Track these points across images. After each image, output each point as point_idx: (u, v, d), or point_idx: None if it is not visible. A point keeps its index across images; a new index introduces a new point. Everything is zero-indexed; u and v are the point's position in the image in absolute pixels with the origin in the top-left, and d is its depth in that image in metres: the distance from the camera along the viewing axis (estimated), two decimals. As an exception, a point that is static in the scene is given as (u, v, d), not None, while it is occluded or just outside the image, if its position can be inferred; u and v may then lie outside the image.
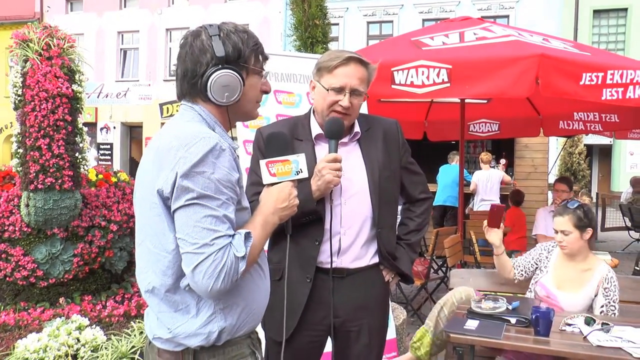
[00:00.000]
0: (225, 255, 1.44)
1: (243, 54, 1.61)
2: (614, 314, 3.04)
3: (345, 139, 2.28)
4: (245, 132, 3.48)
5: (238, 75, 1.58)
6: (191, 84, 1.60)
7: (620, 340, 2.51)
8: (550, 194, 8.69)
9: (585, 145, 12.32)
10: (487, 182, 8.87)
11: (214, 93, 1.57)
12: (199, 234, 1.43)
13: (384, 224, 2.27)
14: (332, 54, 2.25)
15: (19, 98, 3.75)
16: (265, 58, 1.69)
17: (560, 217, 3.14)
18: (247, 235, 1.51)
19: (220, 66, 1.56)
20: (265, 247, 1.73)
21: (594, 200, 14.09)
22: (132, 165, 23.31)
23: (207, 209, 1.44)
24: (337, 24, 20.66)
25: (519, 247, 6.89)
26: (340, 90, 2.18)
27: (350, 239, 2.24)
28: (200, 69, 1.58)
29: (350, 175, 2.24)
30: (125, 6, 24.47)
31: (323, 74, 2.23)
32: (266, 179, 1.70)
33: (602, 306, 3.05)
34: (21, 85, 3.72)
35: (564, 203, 3.24)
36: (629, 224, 11.27)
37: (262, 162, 1.70)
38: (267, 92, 1.73)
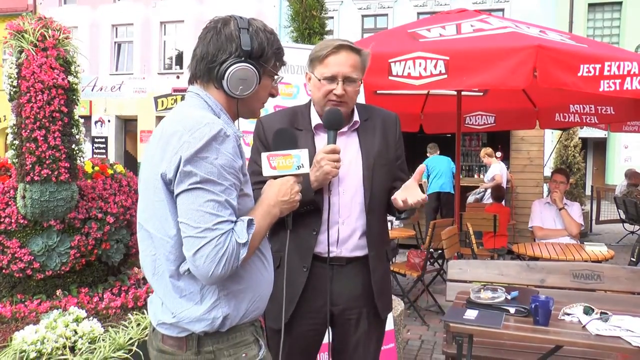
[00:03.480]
0: (227, 240, 1.45)
1: (265, 54, 1.63)
2: None
3: (344, 129, 2.27)
4: (244, 122, 3.46)
5: (257, 73, 1.60)
6: (208, 67, 1.60)
7: (619, 329, 2.52)
8: (545, 187, 8.71)
9: (580, 138, 12.33)
10: (503, 176, 8.89)
11: (230, 83, 1.58)
12: (202, 218, 1.43)
13: (373, 210, 2.25)
14: (322, 44, 2.25)
15: (14, 89, 3.72)
16: (283, 64, 1.71)
17: None
18: (250, 222, 1.52)
19: (242, 59, 1.58)
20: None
21: (589, 193, 14.15)
22: (127, 159, 23.23)
23: (210, 193, 1.44)
24: (332, 18, 20.60)
25: (500, 245, 6.88)
26: (332, 79, 2.18)
27: (349, 228, 2.23)
28: (222, 56, 1.58)
29: (347, 165, 2.24)
30: (119, -1, 24.35)
31: (315, 64, 2.23)
32: (266, 171, 1.72)
33: None
34: (16, 76, 3.68)
35: None
36: (623, 216, 11.33)
37: (264, 155, 1.72)
38: (274, 96, 1.75)
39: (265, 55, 1.63)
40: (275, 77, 1.70)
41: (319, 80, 2.20)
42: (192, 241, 1.44)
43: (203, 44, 1.61)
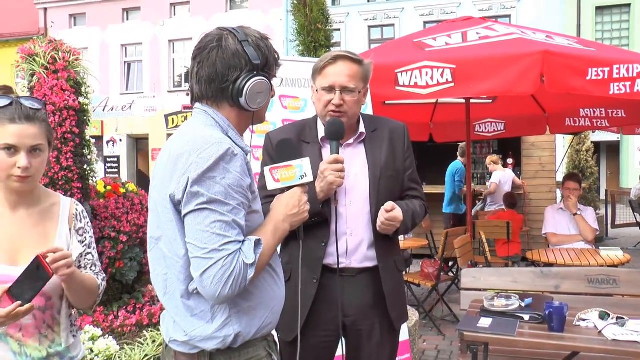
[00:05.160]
0: (235, 261, 1.44)
1: (269, 62, 1.63)
2: (95, 264, 1.91)
3: (350, 140, 2.29)
4: (253, 137, 3.48)
5: (269, 83, 1.61)
6: (221, 88, 1.58)
7: (636, 334, 2.49)
8: (558, 192, 8.64)
9: (592, 142, 12.23)
10: (505, 184, 8.81)
11: (249, 99, 1.57)
12: (209, 238, 1.43)
13: None
14: (323, 57, 2.29)
15: (26, 112, 3.78)
16: (279, 66, 1.72)
17: (30, 126, 1.72)
18: (258, 243, 1.52)
19: (255, 73, 1.57)
20: (278, 249, 1.73)
21: (604, 197, 14.02)
22: (139, 177, 23.39)
23: (217, 214, 1.44)
24: (339, 30, 20.71)
25: (513, 252, 6.81)
26: (330, 89, 2.20)
27: (357, 239, 2.24)
28: (233, 74, 1.56)
29: (354, 176, 2.25)
30: (127, 19, 24.66)
31: (316, 76, 2.27)
32: (270, 185, 1.71)
33: (80, 256, 1.87)
34: (28, 99, 3.74)
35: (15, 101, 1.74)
36: (639, 219, 11.20)
37: (266, 169, 1.72)
38: (272, 96, 1.74)
39: (269, 63, 1.63)
40: (275, 79, 1.70)
41: (317, 91, 2.25)
42: (199, 262, 1.44)
43: (208, 65, 1.57)
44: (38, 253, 1.63)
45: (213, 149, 1.46)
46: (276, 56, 1.67)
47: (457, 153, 8.93)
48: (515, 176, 9.18)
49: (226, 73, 1.56)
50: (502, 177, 8.80)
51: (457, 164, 8.80)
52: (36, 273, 1.61)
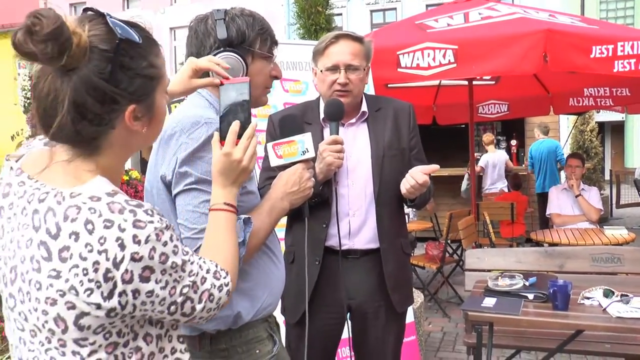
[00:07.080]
0: None
1: (247, 37, 1.58)
2: None
3: (352, 120, 2.27)
4: (253, 121, 3.48)
5: (240, 59, 1.56)
6: None
7: (640, 311, 2.49)
8: (562, 173, 8.61)
9: (597, 122, 12.15)
10: (495, 166, 8.73)
11: (214, 75, 1.53)
12: (198, 218, 1.42)
13: (384, 202, 2.22)
14: (323, 37, 2.26)
15: (28, 101, 3.80)
16: (274, 43, 1.66)
17: None
18: (247, 221, 1.48)
19: (222, 49, 1.55)
20: (282, 235, 1.71)
21: (608, 177, 13.97)
22: (143, 165, 23.45)
23: (206, 193, 1.43)
24: (340, 14, 20.56)
25: (518, 233, 6.80)
26: (334, 68, 2.17)
27: (359, 220, 2.22)
28: (204, 53, 1.57)
29: (357, 156, 2.23)
30: (128, 7, 24.57)
31: (318, 58, 2.24)
32: (273, 161, 1.68)
33: None
34: (30, 88, 3.75)
35: None
36: (644, 199, 11.17)
37: (269, 145, 1.68)
38: (277, 78, 1.70)
39: (247, 39, 1.59)
40: (269, 58, 1.64)
41: (321, 71, 2.22)
42: (189, 242, 1.43)
43: (187, 47, 1.62)
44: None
45: (202, 130, 1.44)
46: (261, 31, 1.61)
47: (541, 132, 8.65)
48: (508, 158, 9.01)
49: (198, 52, 1.58)
50: (489, 159, 8.67)
51: (550, 141, 8.53)
52: (233, 92, 1.42)
